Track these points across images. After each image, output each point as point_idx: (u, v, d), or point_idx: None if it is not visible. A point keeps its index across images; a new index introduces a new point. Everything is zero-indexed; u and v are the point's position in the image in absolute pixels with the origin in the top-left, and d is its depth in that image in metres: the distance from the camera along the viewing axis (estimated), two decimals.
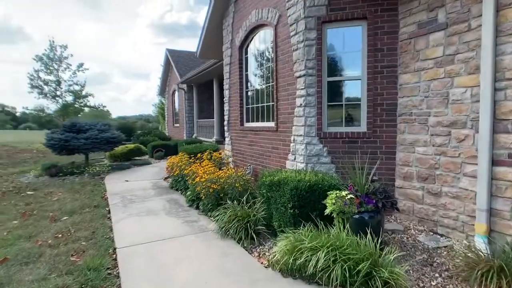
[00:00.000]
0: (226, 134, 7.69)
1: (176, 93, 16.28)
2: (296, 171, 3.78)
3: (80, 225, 4.08)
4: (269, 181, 3.49)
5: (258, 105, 6.19)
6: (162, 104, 27.82)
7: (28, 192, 6.04)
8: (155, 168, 8.97)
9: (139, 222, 4.15)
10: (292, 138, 4.72)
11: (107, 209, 4.85)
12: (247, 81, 6.68)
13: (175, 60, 15.54)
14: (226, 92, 7.57)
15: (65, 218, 4.41)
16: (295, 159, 4.66)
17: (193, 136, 13.81)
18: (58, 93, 19.51)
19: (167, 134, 18.07)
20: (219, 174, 4.58)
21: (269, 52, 5.69)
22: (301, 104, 4.45)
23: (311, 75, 4.33)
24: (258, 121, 6.19)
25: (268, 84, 5.73)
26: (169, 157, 11.46)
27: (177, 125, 16.41)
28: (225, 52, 7.38)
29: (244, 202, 3.77)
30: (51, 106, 19.75)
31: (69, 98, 20.08)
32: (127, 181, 7.13)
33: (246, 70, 6.64)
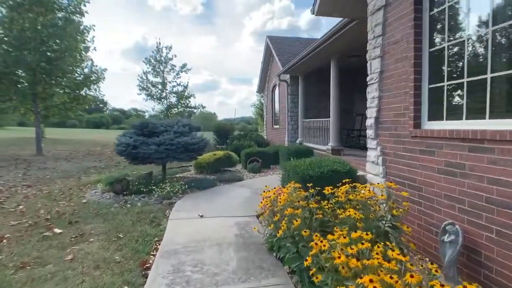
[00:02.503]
0: (373, 143, 4.17)
1: (277, 88, 13.50)
2: None
3: None
4: None
5: (484, 76, 2.48)
6: (261, 104, 26.00)
7: (57, 230, 3.92)
8: (246, 190, 6.13)
9: None
10: None
11: None
12: (435, 25, 3.01)
13: (276, 48, 12.77)
14: (373, 65, 4.04)
15: None
16: None
17: (297, 141, 10.67)
18: (163, 94, 19.54)
19: (265, 137, 15.55)
20: None
21: None
22: None
23: None
24: (492, 118, 2.47)
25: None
26: (267, 171, 8.73)
27: (277, 126, 13.64)
28: None
29: None
30: (157, 108, 19.98)
31: (173, 99, 19.94)
32: (201, 216, 4.42)
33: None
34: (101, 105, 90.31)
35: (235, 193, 5.88)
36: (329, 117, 8.29)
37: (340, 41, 6.70)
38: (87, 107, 15.22)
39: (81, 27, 12.04)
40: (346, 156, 7.44)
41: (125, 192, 5.79)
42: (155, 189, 5.74)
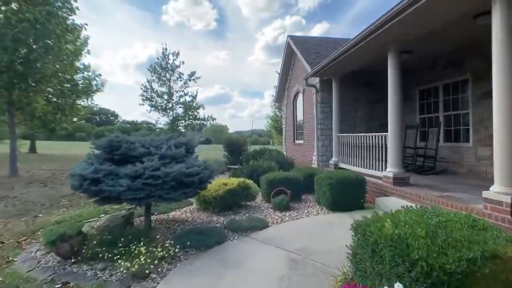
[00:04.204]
0: None
1: (300, 96, 11.18)
2: None
3: None
4: None
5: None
6: (276, 116, 23.71)
7: None
8: (277, 255, 3.64)
9: None
10: None
11: None
12: None
13: (300, 48, 10.52)
14: None
15: None
16: None
17: (331, 162, 8.22)
18: (169, 105, 17.52)
19: (284, 153, 13.14)
20: None
21: None
22: None
23: None
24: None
25: None
26: (299, 205, 6.18)
27: (300, 142, 11.24)
28: None
29: None
30: (162, 120, 17.96)
31: (179, 111, 17.88)
32: None
33: None
34: (111, 118, 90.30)
35: (259, 261, 3.43)
36: (385, 131, 5.88)
37: (400, 25, 4.37)
38: (75, 120, 13.26)
39: (69, 24, 10.08)
40: (417, 188, 4.94)
41: (74, 259, 3.46)
42: (121, 260, 3.31)
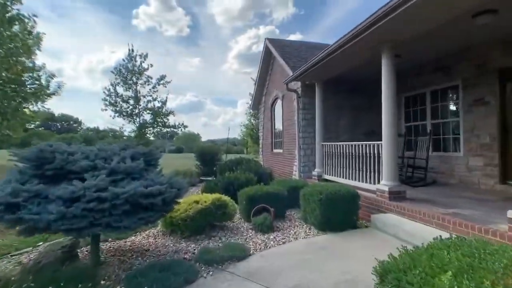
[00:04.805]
0: None
1: (279, 102, 10.54)
2: None
3: None
4: None
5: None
6: (252, 124, 23.03)
7: None
8: None
9: None
10: None
11: None
12: None
13: (280, 51, 9.93)
14: None
15: None
16: None
17: (315, 173, 7.57)
18: (136, 111, 16.17)
19: (261, 162, 12.38)
20: None
21: None
22: None
23: None
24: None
25: None
26: (283, 224, 5.22)
27: (279, 150, 10.54)
28: None
29: None
30: (127, 127, 16.55)
31: (147, 117, 16.57)
32: None
33: None
34: (74, 125, 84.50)
35: None
36: (370, 140, 5.34)
37: (407, 16, 3.84)
38: (28, 126, 11.59)
39: (7, 13, 8.57)
40: (416, 203, 4.35)
41: None
42: None
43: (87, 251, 4.01)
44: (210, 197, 5.07)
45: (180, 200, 4.33)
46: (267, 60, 11.43)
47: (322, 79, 7.49)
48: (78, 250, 3.89)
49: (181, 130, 16.94)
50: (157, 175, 3.46)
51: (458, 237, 2.36)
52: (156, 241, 4.63)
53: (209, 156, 12.20)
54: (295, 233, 4.88)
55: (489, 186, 5.46)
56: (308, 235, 4.76)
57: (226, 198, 5.27)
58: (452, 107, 6.47)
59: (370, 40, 4.99)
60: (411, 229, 3.99)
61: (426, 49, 5.97)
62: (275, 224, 5.23)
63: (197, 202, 4.85)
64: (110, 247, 4.28)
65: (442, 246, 2.06)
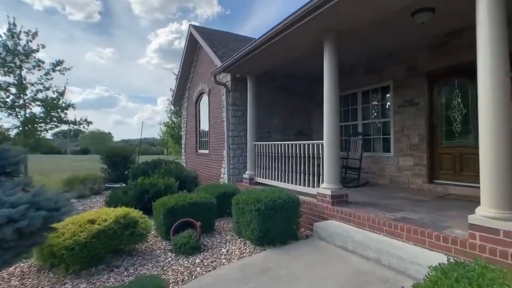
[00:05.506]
0: None
1: (205, 97, 9.48)
2: None
3: None
4: None
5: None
6: (173, 122, 21.15)
7: None
8: None
9: None
10: None
11: None
12: None
13: (207, 39, 8.88)
14: None
15: None
16: None
17: (246, 176, 6.78)
18: (20, 101, 12.78)
19: (184, 165, 11.05)
20: None
21: None
22: None
23: None
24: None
25: None
26: (213, 240, 3.95)
27: (205, 151, 9.44)
28: None
29: None
30: (4, 121, 12.97)
31: (37, 110, 13.30)
32: None
33: None
34: None
35: None
36: (302, 140, 4.86)
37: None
38: None
39: None
40: (359, 208, 3.90)
41: None
42: None
43: None
44: (112, 214, 3.73)
45: (61, 223, 2.93)
46: (191, 49, 10.20)
47: (255, 72, 6.76)
48: None
49: (84, 127, 14.12)
50: (10, 190, 2.07)
51: (457, 264, 1.79)
52: (23, 285, 3.09)
53: (119, 158, 10.27)
54: (227, 251, 3.94)
55: (418, 185, 5.53)
56: (244, 253, 3.88)
57: (135, 212, 3.98)
58: (384, 108, 6.51)
59: (313, 28, 4.43)
60: (362, 239, 3.48)
61: (363, 47, 5.80)
62: (203, 241, 4.20)
63: (92, 221, 3.47)
64: None
65: (449, 268, 1.41)
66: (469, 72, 4.80)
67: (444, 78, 5.17)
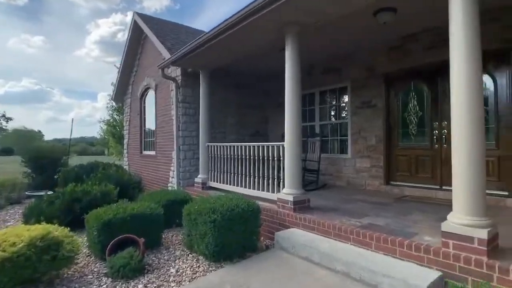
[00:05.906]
0: None
1: (152, 92, 8.58)
2: None
3: None
4: None
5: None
6: (115, 120, 19.28)
7: None
8: None
9: None
10: None
11: None
12: None
13: (154, 29, 8.02)
14: None
15: None
16: None
17: (199, 180, 6.18)
18: None
19: (126, 168, 9.94)
20: None
21: None
22: None
23: None
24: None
25: None
26: (159, 257, 3.28)
27: (151, 153, 8.55)
28: None
29: None
30: None
31: None
32: None
33: None
34: None
35: None
36: (257, 141, 4.55)
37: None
38: None
39: None
40: (322, 214, 3.62)
41: None
42: None
43: None
44: (26, 234, 2.90)
45: None
46: (136, 39, 9.18)
47: (209, 67, 6.19)
48: None
49: (3, 124, 11.97)
50: None
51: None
52: None
53: (47, 160, 8.80)
54: (177, 271, 3.35)
55: (375, 187, 5.52)
56: (197, 272, 3.33)
57: (60, 231, 3.17)
58: (341, 109, 6.45)
59: (273, 20, 4.07)
60: (328, 250, 3.19)
61: (324, 46, 5.63)
62: (147, 260, 3.54)
63: None
64: None
65: None
66: (425, 75, 4.93)
67: (401, 81, 5.23)
